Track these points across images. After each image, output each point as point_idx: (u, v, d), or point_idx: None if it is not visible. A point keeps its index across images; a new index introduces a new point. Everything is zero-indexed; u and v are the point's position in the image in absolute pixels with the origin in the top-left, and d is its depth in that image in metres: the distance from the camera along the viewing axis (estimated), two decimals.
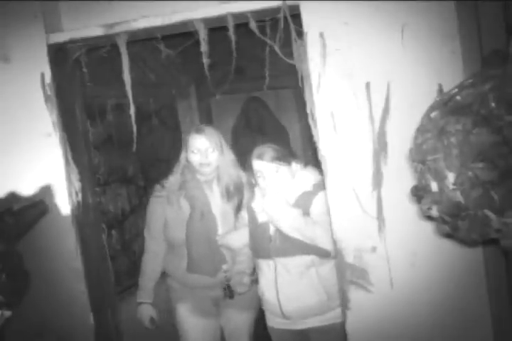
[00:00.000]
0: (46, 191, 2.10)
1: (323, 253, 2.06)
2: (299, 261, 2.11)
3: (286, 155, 2.21)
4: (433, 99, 1.70)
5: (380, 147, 1.80)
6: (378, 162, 1.80)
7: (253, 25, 1.94)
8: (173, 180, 2.44)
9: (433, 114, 0.93)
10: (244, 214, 2.35)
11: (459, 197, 0.86)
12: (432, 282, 1.81)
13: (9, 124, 2.11)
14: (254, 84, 3.87)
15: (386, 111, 1.78)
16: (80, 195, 2.16)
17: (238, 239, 2.32)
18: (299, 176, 2.21)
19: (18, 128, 2.10)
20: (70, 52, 2.18)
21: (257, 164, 2.20)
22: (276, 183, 2.16)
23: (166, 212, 2.41)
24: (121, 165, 3.07)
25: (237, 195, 2.41)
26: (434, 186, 0.91)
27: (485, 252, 1.75)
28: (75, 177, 2.15)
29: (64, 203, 2.11)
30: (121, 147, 3.01)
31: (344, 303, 1.90)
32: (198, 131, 2.37)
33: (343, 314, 1.91)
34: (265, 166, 2.17)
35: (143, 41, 2.18)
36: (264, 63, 2.09)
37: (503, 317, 1.79)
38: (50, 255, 2.13)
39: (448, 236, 0.99)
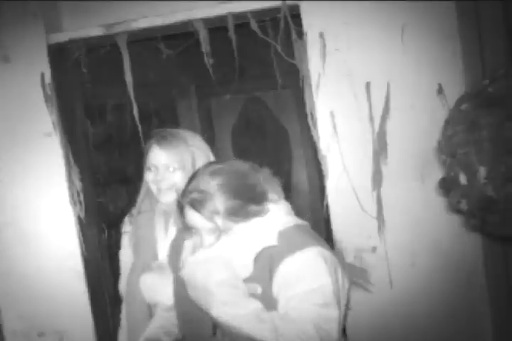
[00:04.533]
0: None
1: None
2: None
3: (249, 198, 1.37)
4: (434, 99, 1.71)
5: (380, 147, 1.80)
6: (378, 162, 1.80)
7: (254, 25, 1.94)
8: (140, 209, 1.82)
9: (463, 106, 0.91)
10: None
11: (490, 191, 0.84)
12: (432, 282, 1.81)
13: (9, 124, 2.11)
14: (255, 84, 3.88)
15: (386, 111, 1.78)
16: (81, 195, 2.16)
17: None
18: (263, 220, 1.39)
19: (18, 128, 2.10)
20: (70, 52, 2.17)
21: (189, 214, 1.37)
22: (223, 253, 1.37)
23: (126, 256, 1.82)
24: (121, 165, 3.06)
25: None
26: (463, 179, 0.89)
27: (485, 252, 1.75)
28: (76, 176, 2.15)
29: (65, 203, 2.11)
30: (121, 147, 3.01)
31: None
32: (160, 140, 1.69)
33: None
34: (201, 222, 1.36)
35: (143, 41, 2.18)
36: (269, 63, 2.09)
37: (503, 317, 1.78)
38: (51, 255, 2.13)
39: (476, 230, 0.98)
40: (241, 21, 1.95)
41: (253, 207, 1.37)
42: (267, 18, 1.94)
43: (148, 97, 3.38)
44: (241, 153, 4.36)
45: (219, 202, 1.33)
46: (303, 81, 1.92)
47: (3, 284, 2.18)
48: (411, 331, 1.84)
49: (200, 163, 1.66)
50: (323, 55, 1.82)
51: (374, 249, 1.83)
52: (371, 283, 1.85)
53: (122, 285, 1.84)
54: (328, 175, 1.86)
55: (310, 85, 1.85)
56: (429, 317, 1.82)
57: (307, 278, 1.33)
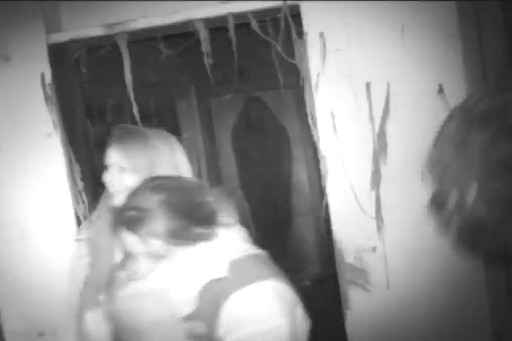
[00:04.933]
0: None
1: None
2: None
3: (195, 217, 1.23)
4: (435, 99, 1.71)
5: (380, 147, 1.80)
6: (378, 162, 1.80)
7: (255, 25, 1.94)
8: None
9: (452, 125, 0.91)
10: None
11: (481, 211, 0.84)
12: (432, 282, 1.81)
13: (9, 124, 2.11)
14: (255, 84, 3.88)
15: (386, 111, 1.78)
16: (84, 195, 2.16)
17: None
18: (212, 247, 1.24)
19: (18, 128, 2.10)
20: (69, 52, 2.17)
21: (124, 236, 1.21)
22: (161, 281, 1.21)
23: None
24: None
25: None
26: (453, 198, 0.89)
27: None
28: (78, 176, 2.15)
29: (65, 203, 2.11)
30: None
31: (344, 303, 1.90)
32: (115, 138, 1.60)
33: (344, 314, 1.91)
34: (138, 246, 1.19)
35: (143, 41, 2.18)
36: (270, 63, 2.09)
37: (503, 317, 1.79)
38: (51, 255, 2.13)
39: (468, 248, 0.97)
40: (241, 21, 1.95)
41: (198, 230, 1.20)
42: (268, 18, 1.94)
43: (148, 97, 3.38)
44: (241, 153, 4.36)
45: (159, 221, 1.17)
46: (303, 81, 1.92)
47: (3, 284, 2.18)
48: (410, 331, 1.84)
49: (162, 170, 1.52)
50: (323, 54, 1.82)
51: (374, 249, 1.84)
52: (370, 283, 1.85)
53: (72, 305, 1.63)
54: (328, 174, 1.86)
55: (310, 85, 1.86)
56: (428, 317, 1.82)
57: (259, 318, 1.16)
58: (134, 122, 2.18)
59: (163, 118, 3.65)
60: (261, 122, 4.39)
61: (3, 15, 2.09)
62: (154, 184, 1.24)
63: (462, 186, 0.84)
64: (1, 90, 2.10)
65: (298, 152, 4.25)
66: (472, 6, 1.67)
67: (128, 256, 1.24)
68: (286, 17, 1.87)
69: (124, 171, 1.55)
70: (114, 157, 1.57)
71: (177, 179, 1.33)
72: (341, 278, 1.89)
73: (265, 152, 4.33)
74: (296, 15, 1.85)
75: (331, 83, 1.82)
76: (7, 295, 2.18)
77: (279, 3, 1.87)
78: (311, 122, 1.90)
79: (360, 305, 1.87)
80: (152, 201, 1.19)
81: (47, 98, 2.07)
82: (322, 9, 1.80)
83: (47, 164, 2.09)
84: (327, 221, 1.95)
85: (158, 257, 1.19)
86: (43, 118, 2.08)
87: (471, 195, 0.82)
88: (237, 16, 1.94)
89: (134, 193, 1.24)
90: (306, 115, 1.93)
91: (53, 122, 2.07)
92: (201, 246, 1.21)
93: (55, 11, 2.13)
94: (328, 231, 1.95)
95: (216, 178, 4.28)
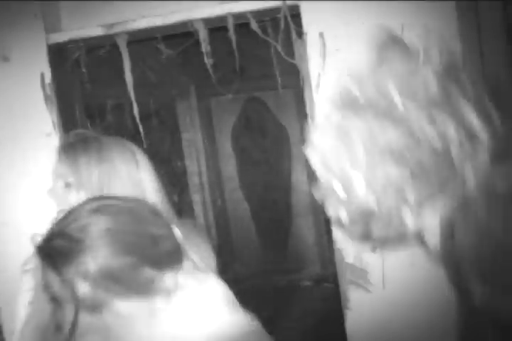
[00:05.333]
0: None
1: None
2: None
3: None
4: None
5: None
6: None
7: (254, 25, 1.94)
8: None
9: (328, 109, 0.81)
10: None
11: (369, 201, 0.76)
12: (432, 282, 1.81)
13: (9, 124, 2.11)
14: (255, 84, 3.89)
15: None
16: None
17: None
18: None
19: (18, 128, 2.10)
20: (69, 52, 2.18)
21: (43, 271, 0.92)
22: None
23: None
24: None
25: None
26: (340, 190, 0.78)
27: None
28: None
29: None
30: None
31: (344, 303, 1.90)
32: (66, 146, 1.35)
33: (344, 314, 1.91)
34: (58, 288, 0.87)
35: (143, 41, 2.19)
36: (269, 63, 2.09)
37: None
38: None
39: (361, 239, 0.91)
40: (241, 21, 1.96)
41: (149, 273, 0.85)
42: (267, 18, 1.94)
43: (148, 97, 3.38)
44: (241, 153, 4.37)
45: (95, 256, 0.84)
46: (303, 81, 1.92)
47: (3, 284, 2.18)
48: (410, 331, 1.84)
49: (118, 189, 1.24)
50: (323, 54, 1.82)
51: (374, 249, 1.83)
52: (371, 283, 1.85)
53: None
54: None
55: (310, 85, 1.86)
56: (428, 317, 1.82)
57: None
58: (134, 122, 2.19)
59: (163, 118, 3.66)
60: (261, 122, 4.40)
61: (3, 15, 2.09)
62: (97, 205, 0.92)
63: (347, 181, 0.77)
64: (0, 90, 2.11)
65: (298, 152, 4.26)
66: (472, 6, 1.67)
67: (54, 303, 0.90)
68: (285, 17, 1.87)
69: (69, 187, 1.30)
70: (60, 169, 1.31)
71: (131, 201, 0.98)
72: (341, 278, 1.89)
73: (265, 152, 4.34)
74: (295, 15, 1.85)
75: (331, 83, 1.82)
76: (7, 295, 2.18)
77: (278, 3, 1.87)
78: (311, 122, 1.90)
79: (360, 305, 1.87)
80: (90, 228, 0.87)
81: (46, 98, 2.07)
82: (322, 9, 1.80)
83: (46, 164, 2.09)
84: (327, 221, 1.95)
85: (89, 308, 0.85)
86: (42, 118, 2.08)
87: (358, 184, 0.76)
88: (237, 16, 1.94)
89: (68, 216, 0.94)
90: (306, 114, 1.93)
91: (53, 122, 2.07)
92: (152, 299, 0.86)
93: (55, 11, 2.13)
94: (328, 231, 1.95)
95: (216, 178, 4.28)
